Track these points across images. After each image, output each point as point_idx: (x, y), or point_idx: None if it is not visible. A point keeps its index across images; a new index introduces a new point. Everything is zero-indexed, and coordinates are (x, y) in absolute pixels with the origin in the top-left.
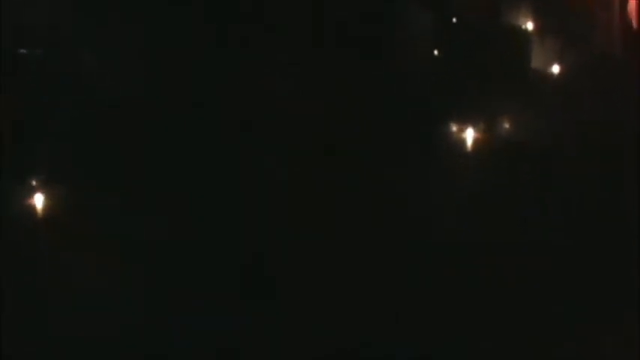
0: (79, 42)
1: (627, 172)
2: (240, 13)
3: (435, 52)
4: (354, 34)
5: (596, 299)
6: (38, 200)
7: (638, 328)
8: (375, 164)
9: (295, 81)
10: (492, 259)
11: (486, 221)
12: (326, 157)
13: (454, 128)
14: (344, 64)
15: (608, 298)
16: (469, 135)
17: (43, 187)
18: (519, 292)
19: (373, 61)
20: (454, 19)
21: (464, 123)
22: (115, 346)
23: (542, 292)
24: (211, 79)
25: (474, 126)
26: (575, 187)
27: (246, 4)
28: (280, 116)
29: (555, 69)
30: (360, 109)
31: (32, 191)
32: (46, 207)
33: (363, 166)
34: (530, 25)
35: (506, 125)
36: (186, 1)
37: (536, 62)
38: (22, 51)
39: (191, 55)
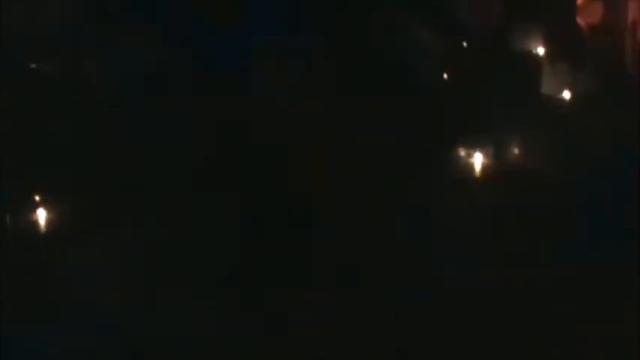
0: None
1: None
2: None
3: (445, 76)
4: (362, 57)
5: (596, 299)
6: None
7: (638, 328)
8: (382, 187)
9: (303, 99)
10: (492, 258)
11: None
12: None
13: (463, 153)
14: (351, 87)
15: (608, 298)
16: (477, 160)
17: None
18: (519, 292)
19: (382, 84)
20: (464, 44)
21: (472, 148)
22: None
23: (542, 292)
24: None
25: (483, 151)
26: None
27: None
28: (280, 123)
29: (566, 94)
30: (367, 133)
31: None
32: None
33: (367, 191)
34: (540, 50)
35: (516, 150)
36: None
37: (546, 87)
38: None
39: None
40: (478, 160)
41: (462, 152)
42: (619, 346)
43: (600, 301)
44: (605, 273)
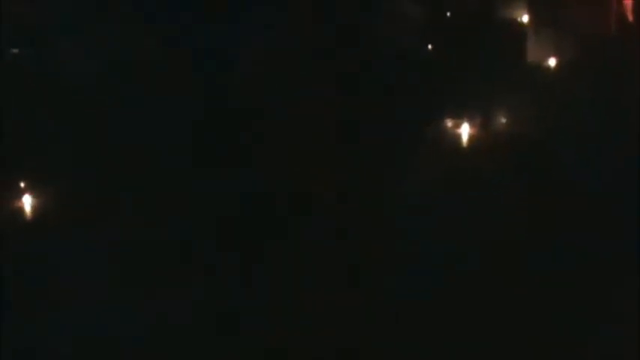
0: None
1: (626, 166)
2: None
3: (429, 46)
4: (348, 31)
5: (596, 299)
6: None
7: (638, 328)
8: (370, 161)
9: (285, 81)
10: (491, 258)
11: (484, 219)
12: (320, 155)
13: (449, 123)
14: (338, 61)
15: (608, 298)
16: (464, 130)
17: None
18: (519, 292)
19: (367, 56)
20: (448, 13)
21: (459, 117)
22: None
23: (543, 291)
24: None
25: (470, 121)
26: (573, 182)
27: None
28: (276, 114)
29: (551, 62)
30: (353, 106)
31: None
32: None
33: (356, 164)
34: (525, 18)
35: (503, 119)
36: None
37: (531, 55)
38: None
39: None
40: (465, 130)
41: (450, 123)
42: (619, 346)
43: (600, 301)
44: (605, 273)
